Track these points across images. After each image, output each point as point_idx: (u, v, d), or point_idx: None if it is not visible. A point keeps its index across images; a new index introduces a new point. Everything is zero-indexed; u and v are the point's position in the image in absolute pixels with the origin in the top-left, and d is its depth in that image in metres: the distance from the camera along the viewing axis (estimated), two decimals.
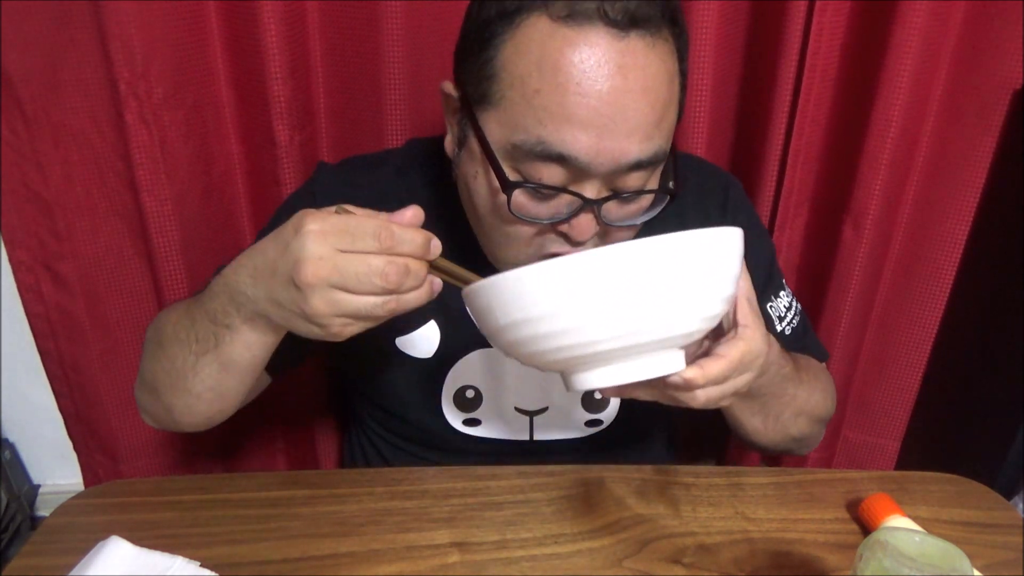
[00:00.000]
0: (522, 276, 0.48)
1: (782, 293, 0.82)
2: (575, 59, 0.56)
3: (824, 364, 0.86)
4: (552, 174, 0.59)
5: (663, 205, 0.65)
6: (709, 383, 0.55)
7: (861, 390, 1.16)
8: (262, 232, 0.80)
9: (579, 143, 0.57)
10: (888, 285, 1.09)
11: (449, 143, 0.69)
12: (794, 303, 0.83)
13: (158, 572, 0.62)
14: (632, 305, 0.48)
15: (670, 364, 0.54)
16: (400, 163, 0.80)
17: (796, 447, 0.79)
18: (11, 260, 0.94)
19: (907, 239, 1.06)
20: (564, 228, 0.62)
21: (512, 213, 0.61)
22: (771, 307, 0.80)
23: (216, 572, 0.63)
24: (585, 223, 0.61)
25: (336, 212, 0.54)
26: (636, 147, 0.58)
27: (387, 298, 0.53)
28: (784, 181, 0.98)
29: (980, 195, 1.01)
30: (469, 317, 0.56)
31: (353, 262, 0.51)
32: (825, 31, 0.91)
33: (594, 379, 0.53)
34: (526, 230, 0.63)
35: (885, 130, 0.94)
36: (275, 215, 0.81)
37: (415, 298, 0.54)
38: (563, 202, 0.61)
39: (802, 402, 0.73)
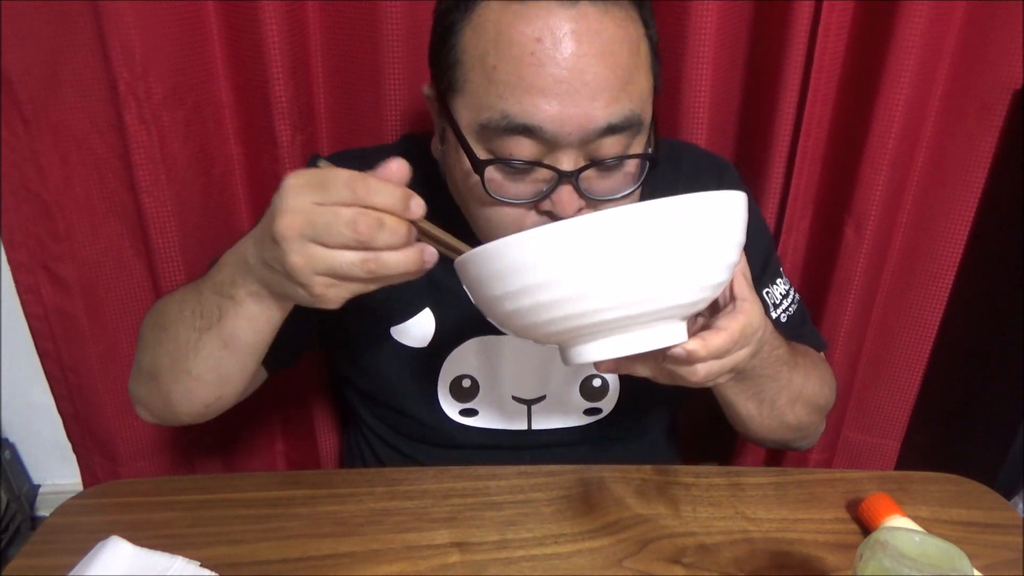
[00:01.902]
0: (519, 242, 0.47)
1: (779, 280, 0.82)
2: (528, 30, 0.57)
3: (823, 355, 0.86)
4: (522, 148, 0.59)
5: (645, 174, 0.64)
6: (711, 356, 0.55)
7: (861, 390, 1.16)
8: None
9: (542, 112, 0.58)
10: (888, 285, 1.09)
11: (434, 144, 0.70)
12: (792, 292, 0.83)
13: (158, 572, 0.62)
14: (634, 271, 0.47)
15: (672, 335, 0.52)
16: (394, 154, 0.80)
17: (795, 437, 0.79)
18: (10, 261, 0.94)
19: (907, 239, 1.06)
20: (547, 206, 0.62)
21: (490, 194, 0.61)
22: (767, 293, 0.80)
23: (216, 572, 0.63)
24: (566, 197, 0.60)
25: (318, 166, 0.53)
26: (602, 111, 0.58)
27: (365, 255, 0.51)
28: (791, 183, 0.98)
29: (980, 195, 1.01)
30: (465, 305, 0.55)
31: (325, 213, 0.50)
32: (831, 31, 0.90)
33: (594, 351, 0.52)
34: (510, 213, 0.63)
35: (887, 131, 0.93)
36: None
37: (398, 261, 0.52)
38: (541, 179, 0.61)
39: (798, 387, 0.73)
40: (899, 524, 0.65)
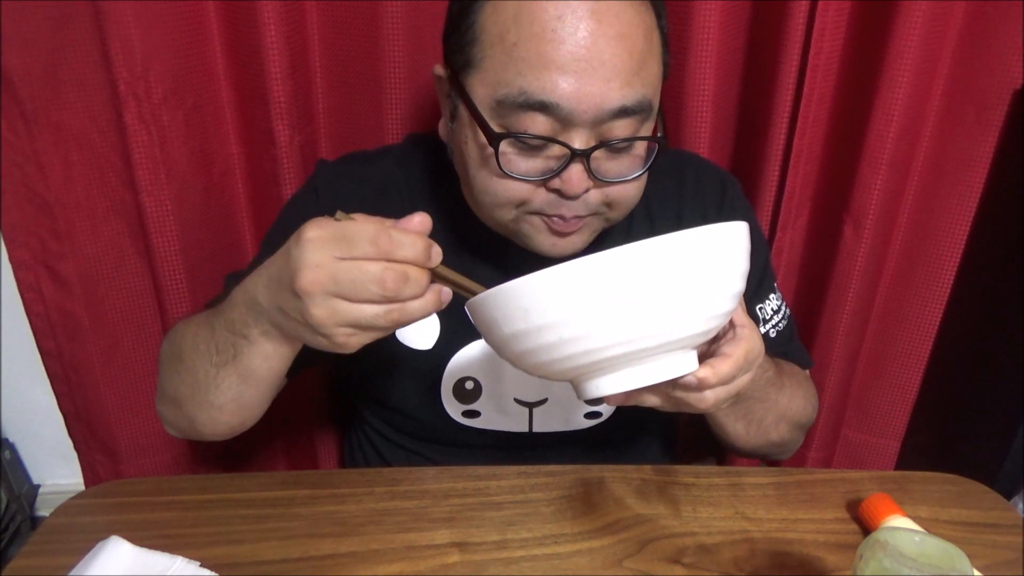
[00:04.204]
0: (527, 284, 0.47)
1: (772, 296, 0.83)
2: (549, 8, 0.59)
3: (808, 372, 0.87)
4: (537, 124, 0.60)
5: (653, 158, 0.65)
6: (720, 382, 0.55)
7: (861, 390, 1.16)
8: (268, 235, 0.80)
9: (559, 88, 0.59)
10: (888, 285, 1.09)
11: (443, 125, 0.71)
12: (783, 307, 0.84)
13: (158, 572, 0.62)
14: (643, 308, 0.47)
15: (684, 365, 0.53)
16: (399, 155, 0.81)
17: (775, 452, 0.80)
18: (11, 259, 0.94)
19: (907, 239, 1.06)
20: (556, 184, 0.62)
21: (502, 170, 0.62)
22: (760, 308, 0.81)
23: (216, 572, 0.63)
24: (576, 175, 0.61)
25: (337, 219, 0.53)
26: (618, 92, 0.60)
27: (389, 307, 0.52)
28: (787, 181, 0.98)
29: (980, 195, 1.01)
30: None
31: (350, 269, 0.50)
32: (827, 31, 0.91)
33: (608, 385, 0.52)
34: (520, 189, 0.63)
35: (885, 130, 0.94)
36: (279, 216, 0.81)
37: (419, 308, 0.53)
38: (553, 156, 0.62)
39: (784, 407, 0.74)
40: (899, 524, 0.65)
